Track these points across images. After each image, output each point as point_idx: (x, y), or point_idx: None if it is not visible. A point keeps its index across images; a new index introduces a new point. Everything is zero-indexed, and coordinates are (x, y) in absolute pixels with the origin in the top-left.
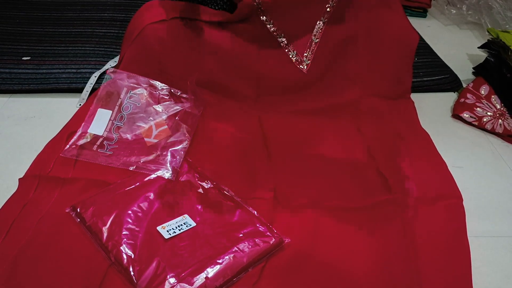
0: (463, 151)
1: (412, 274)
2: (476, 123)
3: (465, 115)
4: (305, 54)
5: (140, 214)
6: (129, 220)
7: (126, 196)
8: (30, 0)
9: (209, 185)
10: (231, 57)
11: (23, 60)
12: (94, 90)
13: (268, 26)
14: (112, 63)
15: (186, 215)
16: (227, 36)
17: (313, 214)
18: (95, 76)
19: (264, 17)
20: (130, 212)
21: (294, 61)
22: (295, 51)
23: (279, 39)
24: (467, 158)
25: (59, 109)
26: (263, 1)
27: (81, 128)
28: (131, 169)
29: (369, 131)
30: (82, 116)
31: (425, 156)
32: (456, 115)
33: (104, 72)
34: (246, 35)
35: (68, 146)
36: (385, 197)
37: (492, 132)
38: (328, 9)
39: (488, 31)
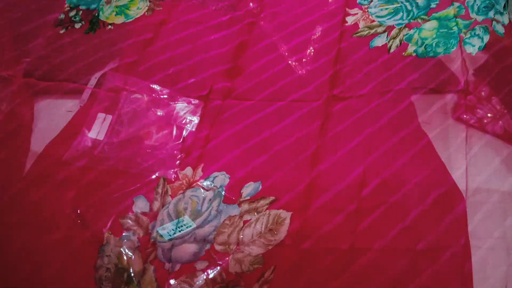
0: (463, 152)
1: (412, 274)
2: (476, 125)
3: (465, 116)
4: (304, 60)
5: (141, 215)
6: (130, 221)
7: (127, 197)
8: None
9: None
10: (229, 59)
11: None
12: (94, 92)
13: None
14: (112, 64)
15: (185, 216)
16: (225, 39)
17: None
18: (95, 78)
19: (263, 22)
20: (130, 213)
21: (293, 66)
22: (293, 56)
23: (278, 45)
24: (467, 160)
25: (59, 110)
26: (262, 8)
27: (81, 133)
28: (132, 171)
29: None
30: (82, 118)
31: (424, 158)
32: (456, 117)
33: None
34: (244, 38)
35: (69, 151)
36: (384, 198)
37: (492, 133)
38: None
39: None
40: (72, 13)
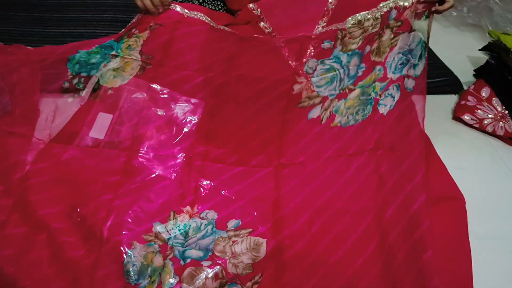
0: (464, 153)
1: (414, 273)
2: (477, 125)
3: (466, 117)
4: (304, 59)
5: (140, 214)
6: (129, 220)
7: (127, 195)
8: (32, 1)
9: (209, 185)
10: (230, 59)
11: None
12: (95, 90)
13: (267, 31)
14: (113, 64)
15: (185, 215)
16: (227, 39)
17: (313, 214)
18: (97, 77)
19: (263, 23)
20: (130, 212)
21: (293, 66)
22: (293, 56)
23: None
24: (468, 160)
25: (60, 108)
26: (262, 9)
27: (82, 132)
28: (132, 170)
29: None
30: (82, 117)
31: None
32: (457, 117)
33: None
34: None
35: (70, 149)
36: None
37: (493, 134)
38: (326, 12)
39: (488, 34)
40: (75, 81)
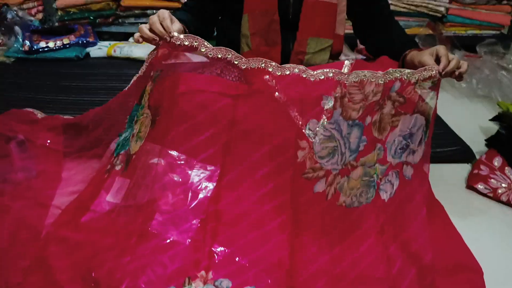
0: (479, 223)
1: None
2: (491, 195)
3: (479, 186)
4: (317, 128)
5: (154, 278)
6: (143, 285)
7: (141, 259)
8: (60, 71)
9: (223, 252)
10: (243, 126)
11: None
12: (127, 163)
13: (281, 101)
14: (136, 131)
15: (199, 281)
16: (241, 107)
17: (328, 283)
18: (115, 143)
19: (277, 93)
20: (144, 276)
21: (307, 135)
22: (307, 125)
23: (292, 114)
24: (484, 231)
25: (81, 172)
26: (277, 80)
27: (100, 196)
28: (147, 235)
29: None
30: (101, 181)
31: (439, 227)
32: (470, 186)
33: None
34: (259, 107)
35: (87, 213)
36: (400, 267)
37: (508, 204)
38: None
39: (498, 104)
40: (114, 161)
